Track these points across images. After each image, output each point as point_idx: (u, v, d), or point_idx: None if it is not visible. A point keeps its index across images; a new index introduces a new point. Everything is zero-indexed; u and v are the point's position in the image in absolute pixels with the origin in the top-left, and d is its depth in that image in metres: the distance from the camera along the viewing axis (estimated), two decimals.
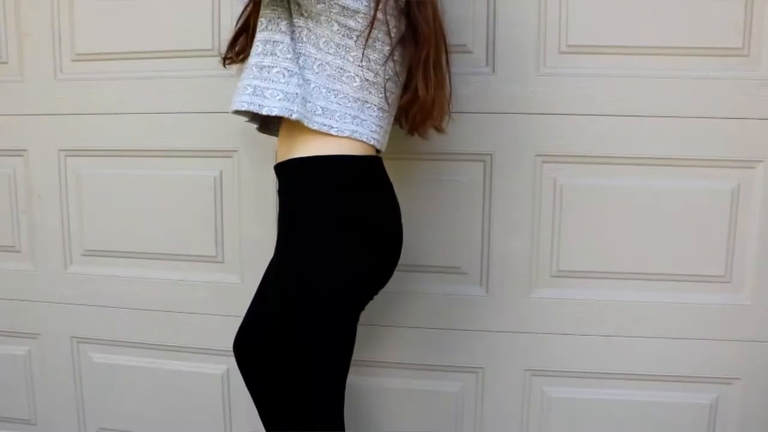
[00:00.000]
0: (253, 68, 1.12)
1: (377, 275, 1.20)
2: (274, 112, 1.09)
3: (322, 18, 1.09)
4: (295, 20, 1.11)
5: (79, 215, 1.72)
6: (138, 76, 1.63)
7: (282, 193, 1.17)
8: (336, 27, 1.10)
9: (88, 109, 1.66)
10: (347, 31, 1.10)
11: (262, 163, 1.59)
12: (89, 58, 1.65)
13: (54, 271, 1.76)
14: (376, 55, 1.13)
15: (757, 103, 1.43)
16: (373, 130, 1.15)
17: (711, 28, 1.42)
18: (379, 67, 1.13)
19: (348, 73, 1.12)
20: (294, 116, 1.09)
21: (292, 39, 1.11)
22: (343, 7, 1.08)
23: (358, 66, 1.12)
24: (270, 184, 1.60)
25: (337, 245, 1.10)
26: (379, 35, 1.12)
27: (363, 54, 1.11)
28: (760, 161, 1.46)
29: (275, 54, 1.11)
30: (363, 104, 1.14)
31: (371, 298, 1.23)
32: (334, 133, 1.11)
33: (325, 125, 1.11)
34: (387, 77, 1.15)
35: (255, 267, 1.59)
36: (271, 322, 1.19)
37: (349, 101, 1.13)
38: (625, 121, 1.47)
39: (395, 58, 1.15)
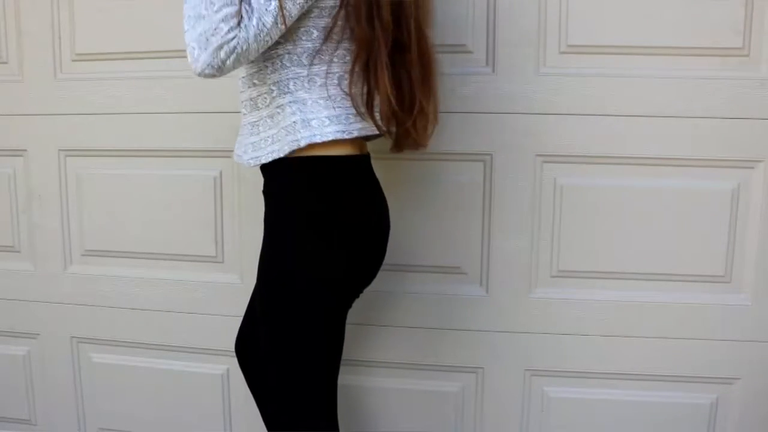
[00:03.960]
0: (248, 126, 1.18)
1: (356, 274, 1.19)
2: (285, 152, 1.10)
3: (300, 30, 1.09)
4: (272, 52, 1.10)
5: (79, 215, 1.72)
6: (138, 76, 1.63)
7: (264, 193, 1.19)
8: (315, 34, 1.09)
9: (88, 109, 1.66)
10: (321, 33, 1.09)
11: None
12: (89, 58, 1.65)
13: (54, 271, 1.76)
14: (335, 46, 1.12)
15: (757, 103, 1.43)
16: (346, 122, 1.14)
17: (711, 28, 1.42)
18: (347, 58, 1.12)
19: (337, 73, 1.12)
20: (303, 143, 1.09)
21: (273, 72, 1.11)
22: (322, 8, 1.08)
23: (336, 63, 1.12)
24: None
25: (309, 245, 1.11)
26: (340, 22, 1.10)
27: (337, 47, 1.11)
28: (760, 161, 1.46)
29: (258, 107, 1.14)
30: (342, 100, 1.13)
31: (356, 296, 1.23)
32: (342, 137, 1.11)
33: (338, 131, 1.11)
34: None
35: (255, 267, 1.57)
36: (256, 322, 1.20)
37: (346, 100, 1.12)
38: (625, 121, 1.47)
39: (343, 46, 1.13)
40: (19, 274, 1.78)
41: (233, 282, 1.66)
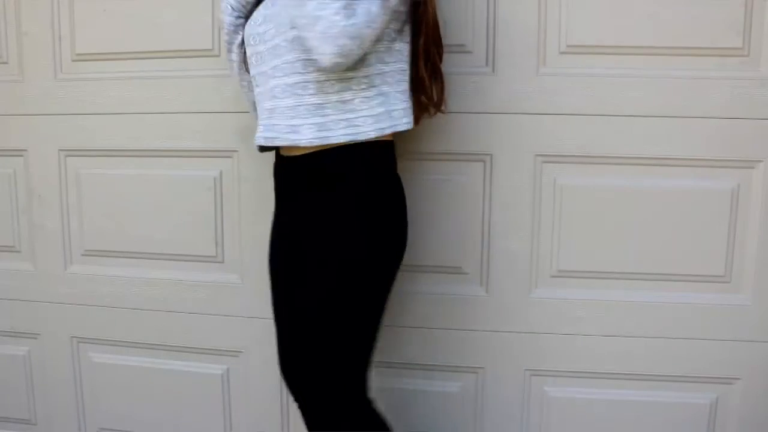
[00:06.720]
0: (337, 103, 1.19)
1: (402, 247, 1.29)
2: (371, 136, 1.19)
3: (385, 31, 1.18)
4: None
5: (79, 215, 1.72)
6: (138, 76, 1.63)
7: (314, 181, 1.24)
8: (393, 34, 1.20)
9: (88, 109, 1.66)
10: (397, 34, 1.21)
11: (262, 163, 1.59)
12: (89, 58, 1.66)
13: (54, 271, 1.76)
14: (405, 45, 1.24)
15: (757, 103, 1.43)
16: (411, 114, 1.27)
17: (710, 28, 1.42)
18: (406, 56, 1.24)
19: (406, 71, 1.24)
20: (388, 131, 1.21)
21: (359, 69, 1.18)
22: (395, 11, 1.17)
23: (405, 62, 1.24)
24: (269, 183, 1.60)
25: (373, 224, 1.21)
26: (406, 27, 1.23)
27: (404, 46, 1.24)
28: (760, 161, 1.46)
29: (351, 88, 1.19)
30: (408, 94, 1.25)
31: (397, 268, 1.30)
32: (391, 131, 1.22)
33: (408, 123, 1.24)
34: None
35: (255, 267, 1.58)
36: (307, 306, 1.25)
37: (406, 95, 1.24)
38: (625, 121, 1.47)
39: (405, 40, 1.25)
40: (19, 274, 1.78)
41: (233, 282, 1.66)
